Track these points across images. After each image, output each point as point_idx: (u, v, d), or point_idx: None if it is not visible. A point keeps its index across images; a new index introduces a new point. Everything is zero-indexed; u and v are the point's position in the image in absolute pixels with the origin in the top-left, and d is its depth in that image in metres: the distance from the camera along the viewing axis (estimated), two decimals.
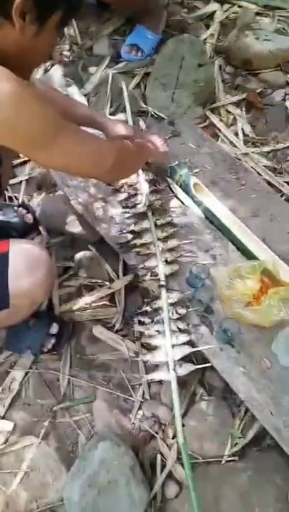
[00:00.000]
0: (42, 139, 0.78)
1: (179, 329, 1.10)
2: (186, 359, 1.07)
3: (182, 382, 1.17)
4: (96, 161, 0.91)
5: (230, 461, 1.06)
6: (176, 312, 1.11)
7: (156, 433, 1.10)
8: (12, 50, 0.77)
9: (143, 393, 1.17)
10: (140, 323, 1.13)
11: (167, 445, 1.08)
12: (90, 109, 1.25)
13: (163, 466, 1.05)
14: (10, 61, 0.76)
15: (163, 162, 1.35)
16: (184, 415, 1.12)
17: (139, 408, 1.15)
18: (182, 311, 1.11)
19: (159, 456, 1.06)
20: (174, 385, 1.04)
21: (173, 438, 1.09)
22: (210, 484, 1.01)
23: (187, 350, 1.07)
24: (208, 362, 1.08)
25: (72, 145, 0.85)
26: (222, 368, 1.06)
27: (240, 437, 1.08)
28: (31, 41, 0.77)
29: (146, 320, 1.13)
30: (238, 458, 1.06)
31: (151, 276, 1.17)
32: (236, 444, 1.07)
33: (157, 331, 1.11)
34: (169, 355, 1.07)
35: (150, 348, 1.13)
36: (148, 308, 1.14)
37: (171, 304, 1.13)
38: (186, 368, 1.06)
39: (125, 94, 1.53)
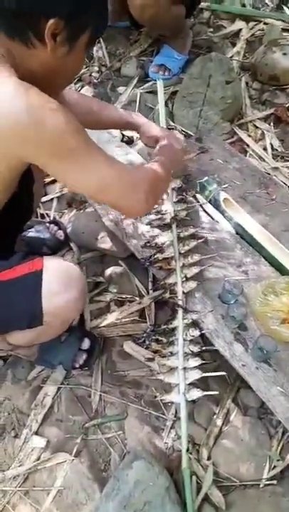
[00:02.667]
0: (74, 146, 0.76)
1: (192, 352, 1.09)
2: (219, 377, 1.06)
3: (216, 401, 1.15)
4: (130, 187, 0.87)
5: (268, 484, 1.02)
6: (190, 334, 1.10)
7: (191, 453, 1.07)
8: (40, 71, 0.79)
9: (176, 412, 1.15)
10: (157, 341, 1.12)
11: (202, 466, 1.05)
12: (125, 111, 1.25)
13: (198, 488, 1.02)
14: (37, 82, 0.77)
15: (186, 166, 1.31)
16: (218, 435, 1.10)
17: (172, 427, 1.13)
18: (195, 332, 1.09)
19: (194, 478, 1.03)
20: (183, 408, 1.04)
21: (208, 459, 1.06)
22: (249, 509, 0.97)
23: (197, 375, 1.06)
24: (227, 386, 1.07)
25: (105, 163, 0.82)
26: (258, 387, 1.03)
27: (278, 460, 1.04)
28: (60, 62, 0.79)
29: (163, 339, 1.11)
30: (277, 481, 1.02)
31: (170, 293, 1.15)
32: (275, 467, 1.03)
33: (170, 352, 1.10)
34: (180, 378, 1.06)
35: (166, 368, 1.11)
36: (165, 327, 1.13)
37: (187, 325, 1.11)
38: (195, 394, 1.05)
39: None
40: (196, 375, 1.06)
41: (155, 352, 1.15)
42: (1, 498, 1.06)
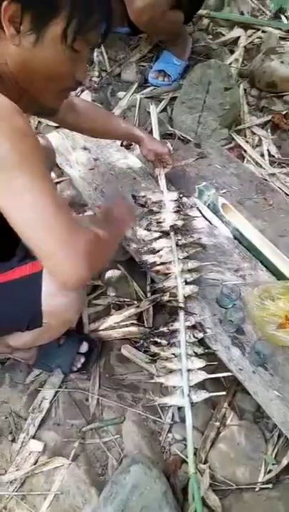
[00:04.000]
0: (14, 162, 0.67)
1: (196, 354, 1.09)
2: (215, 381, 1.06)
3: (212, 404, 1.15)
4: (67, 234, 0.72)
5: (264, 488, 1.02)
6: (194, 336, 1.10)
7: (186, 456, 1.08)
8: (15, 69, 0.73)
9: (173, 415, 1.15)
10: (156, 344, 1.12)
11: (199, 470, 1.06)
12: (128, 123, 1.28)
13: None
14: (23, 84, 0.74)
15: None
16: (214, 439, 1.10)
17: (169, 431, 1.14)
18: (199, 335, 1.10)
19: (190, 482, 1.03)
20: (188, 410, 1.03)
21: (204, 463, 1.07)
22: None
23: (201, 376, 1.06)
24: (223, 390, 1.08)
25: (48, 198, 0.70)
26: (255, 391, 1.04)
27: (274, 464, 1.05)
28: (30, 54, 0.71)
29: (163, 341, 1.11)
30: (272, 485, 1.02)
31: (169, 296, 1.15)
32: (270, 470, 1.04)
33: (173, 353, 1.10)
34: (183, 381, 1.06)
35: (166, 371, 1.11)
36: (165, 330, 1.12)
37: (189, 327, 1.11)
38: (201, 395, 1.05)
39: (153, 116, 1.52)
40: (200, 376, 1.05)
41: (153, 355, 1.15)
42: None
